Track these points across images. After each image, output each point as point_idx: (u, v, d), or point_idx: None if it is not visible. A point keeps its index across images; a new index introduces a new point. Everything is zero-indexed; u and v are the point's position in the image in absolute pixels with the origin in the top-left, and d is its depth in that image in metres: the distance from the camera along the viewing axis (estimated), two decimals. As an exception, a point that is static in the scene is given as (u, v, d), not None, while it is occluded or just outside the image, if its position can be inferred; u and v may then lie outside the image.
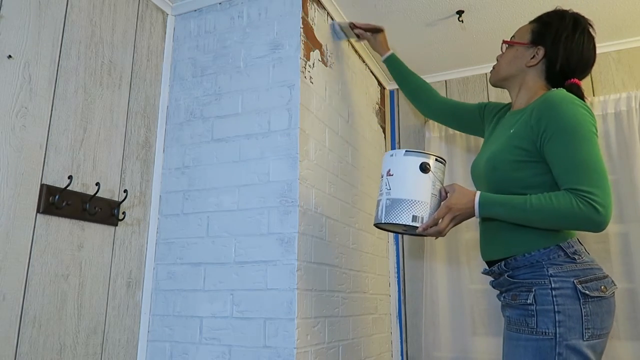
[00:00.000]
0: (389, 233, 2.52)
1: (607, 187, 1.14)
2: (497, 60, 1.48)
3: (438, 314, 2.31)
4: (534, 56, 1.36)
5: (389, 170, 1.34)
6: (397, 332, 2.45)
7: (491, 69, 1.50)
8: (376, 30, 2.03)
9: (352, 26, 2.07)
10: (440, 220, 1.27)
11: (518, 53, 1.40)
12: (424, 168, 1.29)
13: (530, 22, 1.43)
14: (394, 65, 1.96)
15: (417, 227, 1.28)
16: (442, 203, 1.30)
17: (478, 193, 1.26)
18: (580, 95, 1.28)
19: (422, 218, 1.28)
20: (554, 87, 1.35)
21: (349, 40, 2.24)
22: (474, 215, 1.27)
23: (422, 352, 2.34)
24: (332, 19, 2.08)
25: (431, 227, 1.28)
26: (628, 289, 2.04)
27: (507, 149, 1.27)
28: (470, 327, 2.26)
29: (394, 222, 1.30)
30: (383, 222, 1.33)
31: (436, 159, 1.32)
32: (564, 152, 1.17)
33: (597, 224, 1.14)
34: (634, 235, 2.07)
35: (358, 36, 2.10)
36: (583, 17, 1.36)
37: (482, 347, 2.22)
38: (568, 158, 1.17)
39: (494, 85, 1.49)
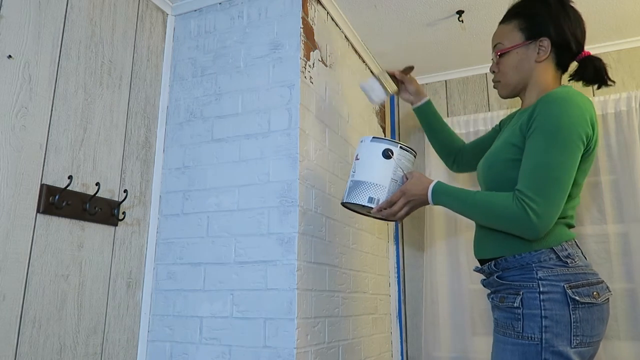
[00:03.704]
0: (389, 233, 2.53)
1: (554, 198, 1.09)
2: (493, 72, 1.37)
3: (438, 314, 2.31)
4: (539, 50, 1.27)
5: (357, 155, 1.44)
6: (397, 332, 2.45)
7: (495, 83, 1.37)
8: (407, 71, 1.72)
9: (391, 74, 1.68)
10: (394, 204, 1.33)
11: (520, 55, 1.31)
12: (387, 155, 1.37)
13: (507, 22, 1.34)
14: (428, 115, 1.68)
15: (372, 207, 1.36)
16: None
17: (434, 181, 1.30)
18: (603, 66, 1.24)
19: (378, 200, 1.36)
20: (562, 74, 1.31)
21: (348, 40, 2.24)
22: (428, 203, 1.31)
23: (422, 352, 2.34)
24: (373, 73, 1.76)
25: (385, 209, 1.34)
26: (628, 289, 2.04)
27: (504, 147, 1.24)
28: (470, 327, 2.26)
29: (353, 202, 1.39)
30: (344, 201, 1.43)
31: (401, 147, 1.39)
32: (532, 150, 1.13)
33: (527, 230, 1.11)
34: (634, 235, 2.07)
35: (398, 87, 1.70)
36: None
37: (482, 347, 2.22)
38: (531, 158, 1.13)
39: (507, 97, 1.38)
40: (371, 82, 1.66)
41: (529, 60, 1.30)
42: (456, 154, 1.65)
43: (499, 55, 1.34)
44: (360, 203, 1.37)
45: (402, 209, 1.33)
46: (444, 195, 1.27)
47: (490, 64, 1.42)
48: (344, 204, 1.45)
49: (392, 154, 1.37)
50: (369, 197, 1.36)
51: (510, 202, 1.12)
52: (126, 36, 1.82)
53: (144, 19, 1.91)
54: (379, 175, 1.37)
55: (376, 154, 1.39)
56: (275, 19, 1.85)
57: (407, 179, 1.35)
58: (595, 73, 1.26)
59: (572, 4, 1.29)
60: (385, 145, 1.39)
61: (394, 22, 2.18)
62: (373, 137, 1.41)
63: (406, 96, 1.71)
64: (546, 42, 1.27)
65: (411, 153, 1.42)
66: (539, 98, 1.25)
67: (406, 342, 2.44)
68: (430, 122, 1.68)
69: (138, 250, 1.79)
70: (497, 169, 1.25)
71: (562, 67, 1.31)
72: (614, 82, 1.27)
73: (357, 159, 1.43)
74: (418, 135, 2.63)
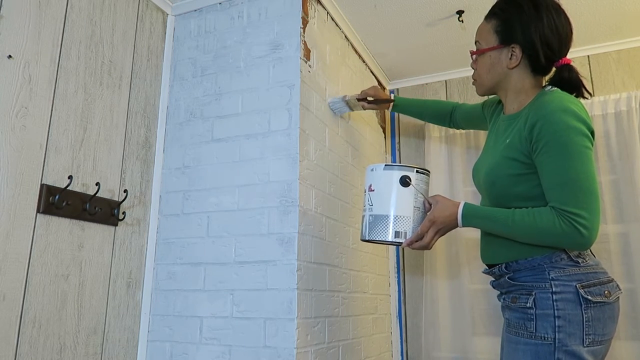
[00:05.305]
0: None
1: (595, 207, 1.10)
2: (473, 68, 1.37)
3: (438, 314, 2.31)
4: (511, 57, 1.26)
5: (370, 186, 1.35)
6: (397, 332, 2.45)
7: (473, 81, 1.39)
8: (375, 93, 1.95)
9: (360, 97, 1.95)
10: (424, 235, 1.27)
11: (493, 59, 1.30)
12: (404, 182, 1.29)
13: (488, 20, 1.32)
14: (405, 108, 1.96)
15: (401, 242, 1.29)
16: (425, 217, 1.29)
17: (461, 204, 1.25)
18: (575, 78, 1.22)
19: (405, 233, 1.29)
20: (543, 77, 1.29)
21: (348, 40, 2.24)
22: (457, 226, 1.27)
23: (422, 352, 2.34)
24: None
25: (415, 241, 1.28)
26: (628, 289, 2.04)
27: (504, 162, 1.23)
28: (470, 327, 2.26)
29: (377, 239, 1.31)
30: (367, 239, 1.35)
31: (417, 171, 1.32)
32: (552, 167, 1.13)
33: (579, 245, 1.12)
34: (634, 235, 2.07)
35: (365, 105, 1.96)
36: None
37: (482, 347, 2.22)
38: (556, 174, 1.12)
39: (484, 95, 1.41)
40: (334, 100, 1.97)
41: (502, 65, 1.29)
42: (450, 119, 1.84)
43: (476, 55, 1.35)
44: (386, 240, 1.29)
45: (433, 239, 1.27)
46: (475, 218, 1.24)
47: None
48: (366, 241, 1.37)
49: (411, 181, 1.29)
50: (395, 231, 1.28)
51: (557, 221, 1.11)
52: (126, 36, 1.82)
53: (144, 19, 1.91)
54: (401, 206, 1.29)
55: (393, 182, 1.30)
56: (275, 19, 1.85)
57: (429, 204, 1.29)
58: (566, 83, 1.23)
59: (551, 10, 1.23)
60: (401, 172, 1.30)
61: (393, 22, 2.18)
62: (386, 165, 1.33)
63: (377, 107, 1.98)
64: (517, 49, 1.25)
65: (427, 175, 1.35)
66: (525, 104, 1.26)
67: (406, 342, 2.44)
68: (411, 111, 1.97)
69: (138, 250, 1.79)
70: (502, 185, 1.24)
71: (540, 72, 1.28)
72: (590, 94, 1.25)
73: (371, 190, 1.34)
74: (418, 135, 2.63)
